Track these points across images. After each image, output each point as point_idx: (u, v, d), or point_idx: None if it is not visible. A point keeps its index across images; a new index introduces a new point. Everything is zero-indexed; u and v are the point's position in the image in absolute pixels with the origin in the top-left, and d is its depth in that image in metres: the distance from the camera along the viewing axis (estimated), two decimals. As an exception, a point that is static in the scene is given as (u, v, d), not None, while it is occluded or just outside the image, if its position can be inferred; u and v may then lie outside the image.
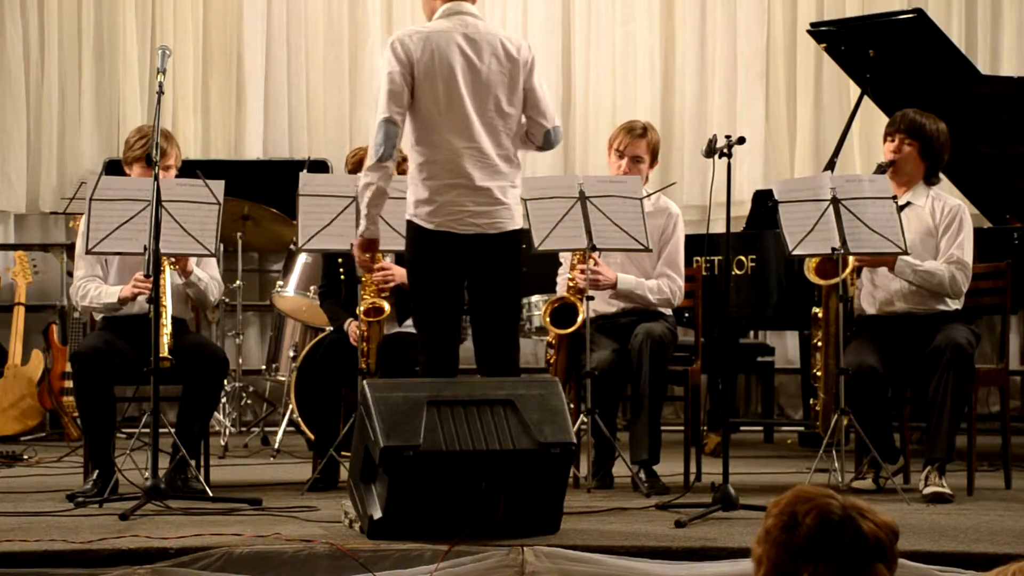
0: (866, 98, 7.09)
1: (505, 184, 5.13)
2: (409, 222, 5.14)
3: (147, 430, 5.40)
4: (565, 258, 5.99)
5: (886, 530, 2.34)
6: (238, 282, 7.83)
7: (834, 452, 5.51)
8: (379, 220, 5.16)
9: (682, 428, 6.13)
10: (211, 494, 5.36)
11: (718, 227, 7.24)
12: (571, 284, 5.83)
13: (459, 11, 5.14)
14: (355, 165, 6.23)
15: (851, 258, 5.50)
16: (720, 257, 6.84)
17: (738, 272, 6.85)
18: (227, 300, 7.88)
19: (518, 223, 5.19)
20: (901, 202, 5.68)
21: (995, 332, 7.70)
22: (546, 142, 5.24)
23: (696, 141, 8.64)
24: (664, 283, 5.95)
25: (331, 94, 8.98)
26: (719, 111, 8.91)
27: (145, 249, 5.23)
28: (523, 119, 5.20)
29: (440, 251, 5.09)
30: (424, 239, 5.10)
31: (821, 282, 5.60)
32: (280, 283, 7.34)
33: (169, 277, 5.59)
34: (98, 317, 5.90)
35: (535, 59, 5.22)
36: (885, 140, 5.88)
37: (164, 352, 5.34)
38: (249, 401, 8.41)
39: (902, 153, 5.80)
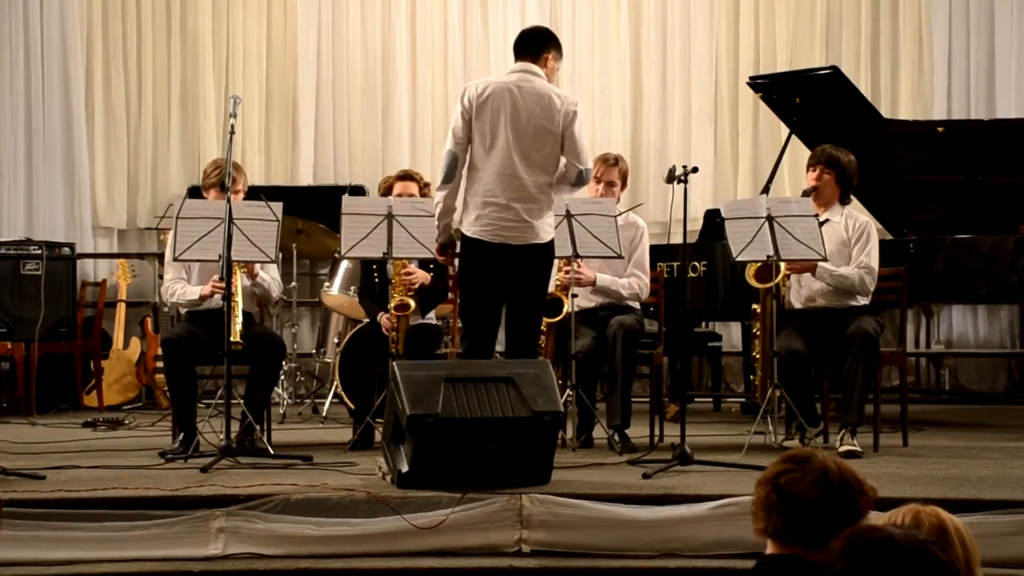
0: (794, 136, 7.07)
1: (532, 207, 5.10)
2: (461, 232, 5.17)
3: (221, 401, 5.40)
4: (555, 263, 5.97)
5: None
6: (293, 283, 7.81)
7: (769, 418, 5.50)
8: (449, 230, 5.23)
9: (648, 400, 6.12)
10: (272, 452, 5.35)
11: (676, 239, 7.23)
12: (558, 283, 5.81)
13: (523, 70, 5.17)
14: (385, 190, 6.23)
15: (783, 266, 5.50)
16: (678, 263, 6.82)
17: (692, 275, 6.83)
18: (285, 298, 7.85)
19: (542, 239, 5.14)
20: (821, 219, 5.66)
21: (895, 322, 7.67)
22: (578, 179, 5.18)
23: (659, 170, 8.57)
24: (634, 281, 5.94)
25: (367, 133, 8.96)
26: (677, 146, 8.87)
27: (220, 257, 5.24)
28: (563, 161, 5.16)
29: (478, 255, 5.11)
30: (467, 245, 5.14)
31: (759, 285, 5.60)
32: (327, 284, 7.32)
33: (239, 279, 5.59)
34: (183, 311, 5.89)
35: (576, 112, 5.14)
36: (808, 170, 5.86)
37: (236, 338, 5.33)
38: (302, 378, 8.39)
39: (822, 180, 5.78)
